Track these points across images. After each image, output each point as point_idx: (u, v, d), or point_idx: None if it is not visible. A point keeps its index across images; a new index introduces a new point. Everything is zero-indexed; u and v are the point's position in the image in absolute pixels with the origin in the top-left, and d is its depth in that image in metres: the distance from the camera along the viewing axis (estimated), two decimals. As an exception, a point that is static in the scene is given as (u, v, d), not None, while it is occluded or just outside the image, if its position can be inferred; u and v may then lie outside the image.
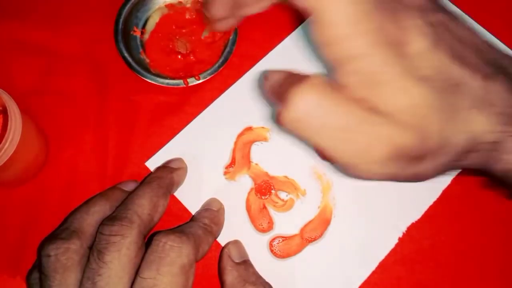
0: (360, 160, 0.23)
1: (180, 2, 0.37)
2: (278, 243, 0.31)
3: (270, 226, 0.32)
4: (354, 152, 0.23)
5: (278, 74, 0.25)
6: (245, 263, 0.29)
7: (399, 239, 0.31)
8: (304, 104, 0.22)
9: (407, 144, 0.22)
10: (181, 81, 0.34)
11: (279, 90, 0.24)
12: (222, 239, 0.31)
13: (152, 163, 0.32)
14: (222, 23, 0.32)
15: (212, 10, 0.30)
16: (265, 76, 0.27)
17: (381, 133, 0.22)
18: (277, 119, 0.24)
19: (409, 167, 0.23)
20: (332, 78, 0.23)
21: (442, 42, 0.23)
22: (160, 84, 0.34)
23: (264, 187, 0.32)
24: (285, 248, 0.31)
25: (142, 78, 0.34)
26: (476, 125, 0.23)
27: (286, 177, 0.33)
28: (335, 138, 0.23)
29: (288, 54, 0.36)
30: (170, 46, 0.36)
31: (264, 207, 0.32)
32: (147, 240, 0.26)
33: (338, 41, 0.22)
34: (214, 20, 0.32)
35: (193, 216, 0.31)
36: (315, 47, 0.23)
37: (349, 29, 0.21)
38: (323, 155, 0.25)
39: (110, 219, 0.26)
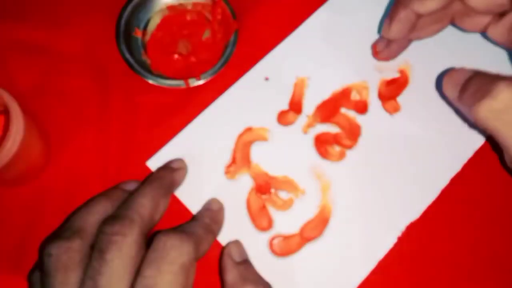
0: None
1: (181, 4, 0.37)
2: (278, 242, 0.31)
3: (270, 225, 0.32)
4: None
5: (466, 71, 0.29)
6: (246, 263, 0.30)
7: (398, 238, 0.31)
8: (509, 98, 0.25)
9: None
10: (182, 81, 0.34)
11: (469, 84, 0.28)
12: (223, 238, 0.31)
13: (153, 163, 0.32)
14: (389, 48, 0.33)
15: (391, 30, 0.31)
16: (448, 73, 0.30)
17: None
18: (473, 110, 0.26)
19: None
20: None
21: None
22: (161, 85, 0.34)
23: (264, 187, 0.33)
24: (285, 247, 0.31)
25: (144, 79, 0.34)
26: None
27: (286, 176, 0.33)
28: None
29: (289, 55, 0.36)
30: (171, 47, 0.36)
31: (264, 206, 0.32)
32: (148, 239, 0.26)
33: None
34: (381, 46, 0.33)
35: (194, 215, 0.31)
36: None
37: None
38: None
39: (111, 219, 0.26)
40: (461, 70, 0.30)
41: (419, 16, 0.30)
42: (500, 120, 0.26)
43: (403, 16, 0.30)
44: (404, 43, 0.34)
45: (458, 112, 0.34)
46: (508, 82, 0.26)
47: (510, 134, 0.26)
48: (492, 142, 0.33)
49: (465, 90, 0.28)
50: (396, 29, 0.31)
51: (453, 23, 0.33)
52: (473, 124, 0.34)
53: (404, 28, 0.31)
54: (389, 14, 0.31)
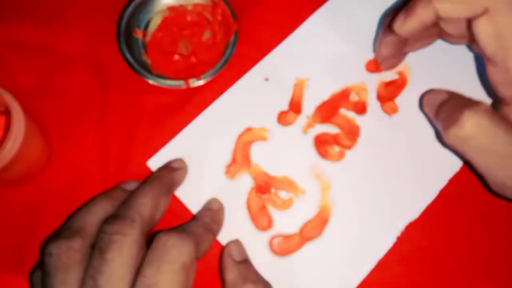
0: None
1: (182, 5, 0.37)
2: (278, 242, 0.31)
3: (270, 224, 0.32)
4: (508, 177, 0.27)
5: (441, 94, 0.30)
6: (246, 262, 0.30)
7: (397, 238, 0.32)
8: (476, 125, 0.26)
9: None
10: (183, 82, 0.34)
11: (442, 108, 0.29)
12: (223, 237, 0.31)
13: (154, 163, 0.33)
14: (387, 61, 0.34)
15: (381, 52, 0.33)
16: (426, 93, 0.31)
17: None
18: (443, 135, 0.27)
19: None
20: (497, 110, 0.27)
21: None
22: (162, 85, 0.34)
23: (264, 187, 0.33)
24: (284, 246, 0.31)
25: (144, 79, 0.34)
26: None
27: (285, 177, 0.33)
28: (496, 163, 0.27)
29: (288, 55, 0.36)
30: (172, 47, 0.36)
31: (264, 206, 0.32)
32: (149, 239, 0.26)
33: None
34: (380, 59, 0.34)
35: (194, 215, 0.31)
36: (487, 83, 0.28)
37: None
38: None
39: (112, 218, 0.26)
40: (437, 92, 0.31)
41: (403, 38, 0.30)
42: (468, 147, 0.27)
43: (389, 41, 0.31)
44: (400, 56, 0.35)
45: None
46: (474, 111, 0.26)
47: (480, 160, 0.27)
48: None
49: (438, 113, 0.29)
50: (385, 51, 0.32)
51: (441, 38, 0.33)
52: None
53: (392, 49, 0.32)
54: (378, 38, 0.33)
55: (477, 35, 0.27)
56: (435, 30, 0.31)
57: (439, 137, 0.34)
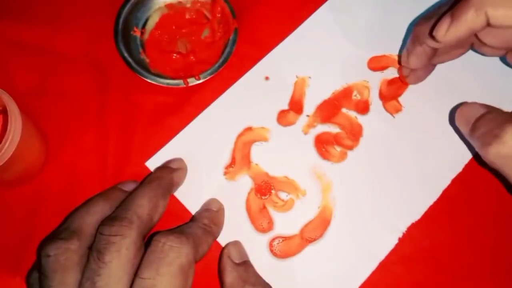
0: None
1: (180, 2, 0.37)
2: (278, 243, 0.31)
3: (270, 226, 0.32)
4: None
5: (477, 108, 0.28)
6: (245, 264, 0.29)
7: (399, 239, 0.31)
8: None
9: None
10: (181, 81, 0.34)
11: (480, 123, 0.27)
12: (222, 239, 0.31)
13: (152, 163, 0.32)
14: (415, 74, 0.33)
15: (410, 63, 0.32)
16: (460, 107, 0.29)
17: None
18: (482, 152, 0.26)
19: None
20: None
21: None
22: (160, 84, 0.34)
23: (264, 187, 0.32)
24: (285, 248, 0.31)
25: (142, 78, 0.34)
26: None
27: (286, 177, 0.33)
28: None
29: (289, 54, 0.35)
30: (170, 46, 0.36)
31: (264, 207, 0.32)
32: (147, 240, 0.26)
33: None
34: (406, 73, 0.33)
35: (193, 216, 0.31)
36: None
37: None
38: None
39: (109, 220, 0.26)
40: (473, 105, 0.29)
41: (435, 49, 0.30)
42: (508, 165, 0.25)
43: (420, 52, 0.30)
44: (429, 68, 0.33)
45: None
46: None
47: None
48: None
49: (475, 129, 0.28)
50: (414, 62, 0.31)
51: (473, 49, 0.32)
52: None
53: (423, 60, 0.31)
54: (406, 48, 0.32)
55: None
56: (471, 40, 0.30)
57: (478, 156, 0.32)
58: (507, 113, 0.27)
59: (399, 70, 0.35)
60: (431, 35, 0.28)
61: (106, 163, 0.33)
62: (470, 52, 0.35)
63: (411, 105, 0.34)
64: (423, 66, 0.32)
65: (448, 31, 0.27)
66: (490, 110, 0.28)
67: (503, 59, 0.34)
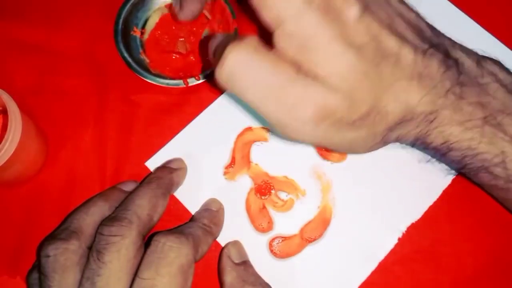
0: (289, 120, 0.23)
1: (180, 2, 0.37)
2: (278, 243, 0.31)
3: (270, 226, 0.32)
4: (282, 111, 0.23)
5: (222, 37, 0.27)
6: (245, 264, 0.29)
7: (399, 239, 0.31)
8: (236, 60, 0.23)
9: (334, 105, 0.23)
10: (181, 81, 0.34)
11: (216, 51, 0.26)
12: (222, 239, 0.31)
13: (152, 163, 0.32)
14: (187, 6, 0.32)
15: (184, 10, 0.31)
16: (210, 38, 0.28)
17: (309, 93, 0.23)
18: (215, 78, 0.24)
19: (341, 132, 0.24)
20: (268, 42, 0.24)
21: (375, 9, 0.23)
22: (160, 84, 0.34)
23: (264, 187, 0.32)
24: (285, 248, 0.31)
25: (142, 78, 0.34)
26: (411, 96, 0.24)
27: (286, 177, 0.33)
28: (265, 97, 0.23)
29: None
30: (170, 46, 0.36)
31: (264, 207, 0.32)
32: (147, 241, 0.26)
33: (274, 2, 0.22)
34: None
35: (192, 216, 0.31)
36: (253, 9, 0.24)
37: None
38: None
39: (109, 220, 0.26)
40: (217, 35, 0.27)
41: None
42: (235, 85, 0.23)
43: None
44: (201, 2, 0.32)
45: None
46: (234, 46, 0.23)
47: (250, 98, 0.23)
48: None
49: (214, 57, 0.26)
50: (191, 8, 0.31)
51: None
52: None
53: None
54: None
55: None
56: None
57: None
58: (234, 37, 0.25)
59: (171, 8, 0.34)
60: None
61: (106, 163, 0.33)
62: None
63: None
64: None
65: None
66: (227, 36, 0.27)
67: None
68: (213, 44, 0.27)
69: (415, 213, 0.32)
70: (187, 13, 0.33)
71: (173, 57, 0.36)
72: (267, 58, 0.23)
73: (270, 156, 0.33)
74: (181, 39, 0.36)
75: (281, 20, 0.22)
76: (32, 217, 0.31)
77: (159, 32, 0.36)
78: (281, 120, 0.24)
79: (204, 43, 0.28)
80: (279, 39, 0.23)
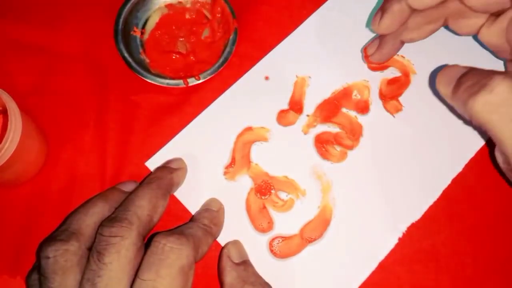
0: None
1: (180, 2, 0.37)
2: (278, 243, 0.31)
3: (270, 226, 0.32)
4: None
5: (460, 68, 0.28)
6: (245, 264, 0.29)
7: (399, 239, 0.31)
8: (508, 89, 0.24)
9: None
10: (181, 81, 0.34)
11: (464, 79, 0.27)
12: (222, 239, 0.31)
13: (152, 163, 0.32)
14: (382, 50, 0.33)
15: (382, 23, 0.30)
16: (442, 70, 0.29)
17: None
18: (468, 104, 0.26)
19: None
20: None
21: None
22: (160, 84, 0.34)
23: (264, 187, 0.32)
24: (285, 248, 0.31)
25: (142, 78, 0.34)
26: None
27: (286, 177, 0.33)
28: None
29: (289, 54, 0.35)
30: (170, 46, 0.36)
31: (264, 207, 0.32)
32: (147, 241, 0.26)
33: None
34: (374, 48, 0.33)
35: (192, 216, 0.31)
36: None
37: None
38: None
39: (109, 221, 0.26)
40: (455, 66, 0.29)
41: (413, 10, 0.29)
42: (496, 114, 0.25)
43: (397, 9, 0.29)
44: (395, 45, 0.33)
45: (457, 113, 0.34)
46: (504, 76, 0.25)
47: (505, 128, 0.25)
48: (491, 145, 0.33)
49: (459, 85, 0.27)
50: (387, 22, 0.30)
51: (446, 25, 0.32)
52: (472, 125, 0.33)
53: (395, 22, 0.30)
54: (381, 7, 0.30)
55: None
56: (443, 12, 0.30)
57: (464, 118, 0.32)
58: (489, 70, 0.27)
59: (364, 50, 0.34)
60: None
61: (106, 163, 0.33)
62: (473, 50, 0.35)
63: (411, 105, 0.34)
64: (393, 30, 0.31)
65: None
66: (473, 68, 0.28)
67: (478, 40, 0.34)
68: (453, 74, 0.28)
69: (415, 213, 0.32)
70: (385, 56, 0.34)
71: (173, 57, 0.35)
72: None
73: (270, 156, 0.33)
74: (181, 39, 0.36)
75: None
76: (32, 217, 0.31)
77: (159, 32, 0.36)
78: None
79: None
80: None
